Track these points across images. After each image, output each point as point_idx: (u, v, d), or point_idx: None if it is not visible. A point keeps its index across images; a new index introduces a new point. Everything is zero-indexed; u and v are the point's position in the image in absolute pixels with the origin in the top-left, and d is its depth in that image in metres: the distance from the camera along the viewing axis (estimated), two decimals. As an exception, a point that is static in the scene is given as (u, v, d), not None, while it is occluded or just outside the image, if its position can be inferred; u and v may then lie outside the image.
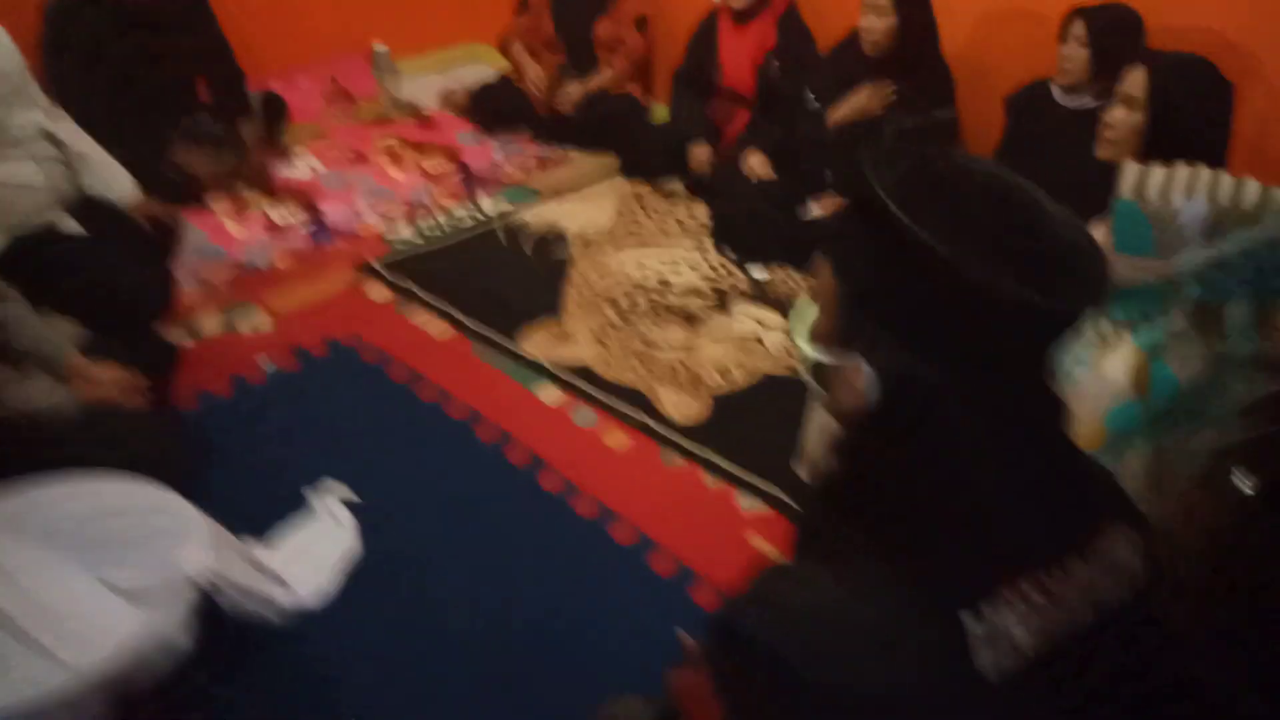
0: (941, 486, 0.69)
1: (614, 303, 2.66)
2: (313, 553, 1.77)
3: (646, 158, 3.39)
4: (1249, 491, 0.81)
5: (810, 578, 0.73)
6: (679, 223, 3.14)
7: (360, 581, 1.74)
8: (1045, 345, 0.70)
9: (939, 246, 0.63)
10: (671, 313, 2.63)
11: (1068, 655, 0.70)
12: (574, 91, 3.53)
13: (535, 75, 3.58)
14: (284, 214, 3.02)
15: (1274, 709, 0.72)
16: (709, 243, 3.01)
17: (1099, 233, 1.40)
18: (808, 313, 0.79)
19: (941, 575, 0.68)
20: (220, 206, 3.03)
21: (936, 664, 0.66)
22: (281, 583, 1.65)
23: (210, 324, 2.47)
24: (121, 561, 1.46)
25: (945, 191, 0.68)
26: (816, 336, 0.77)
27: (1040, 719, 0.70)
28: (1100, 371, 1.40)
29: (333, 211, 3.07)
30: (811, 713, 0.65)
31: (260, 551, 1.71)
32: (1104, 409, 1.39)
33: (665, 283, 2.79)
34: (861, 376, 0.72)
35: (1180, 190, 1.26)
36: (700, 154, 3.21)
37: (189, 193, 2.95)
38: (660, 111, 3.65)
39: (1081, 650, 0.71)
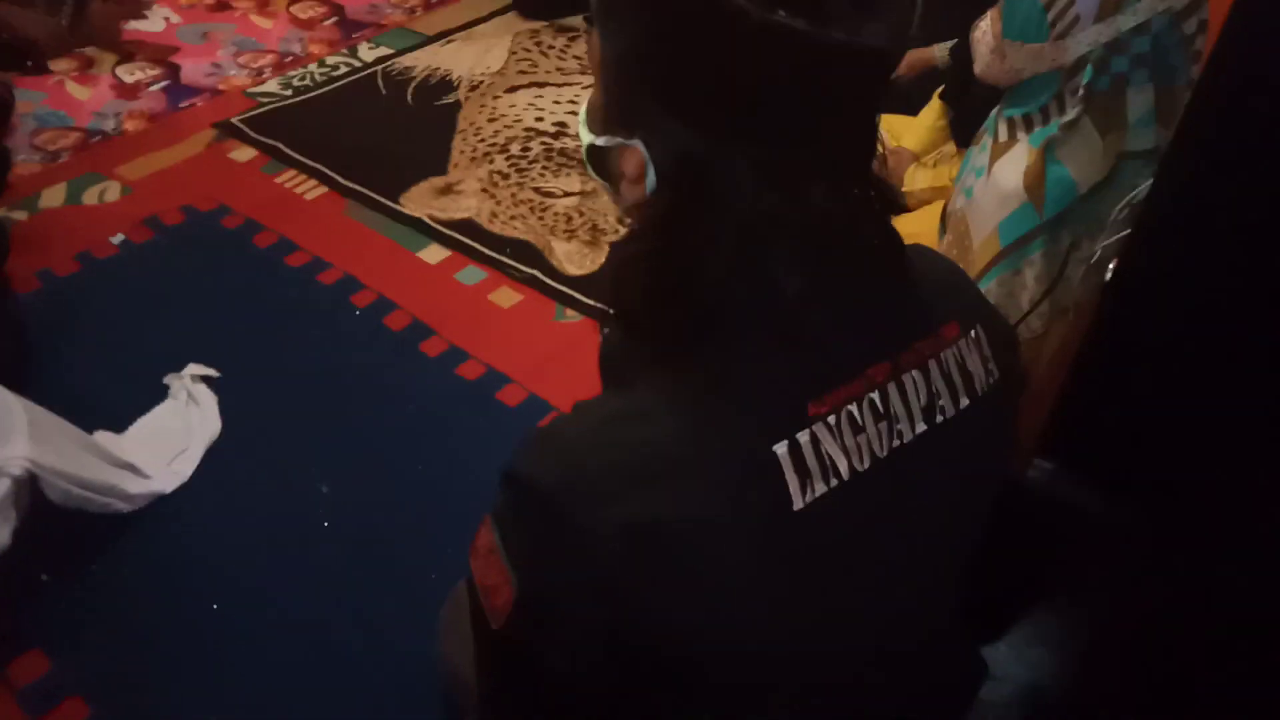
0: (735, 290, 0.56)
1: (505, 150, 2.46)
2: (168, 436, 1.63)
3: (542, -9, 3.10)
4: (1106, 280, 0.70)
5: (597, 406, 0.61)
6: (578, 60, 2.90)
7: (224, 461, 1.61)
8: (849, 108, 0.56)
9: None
10: (568, 158, 2.44)
11: (892, 471, 0.60)
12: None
13: None
14: (135, 73, 2.72)
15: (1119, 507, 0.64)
16: (610, 82, 2.78)
17: (988, 21, 1.24)
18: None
19: (742, 393, 0.57)
20: (62, 68, 2.72)
21: (732, 492, 0.55)
22: (131, 470, 1.52)
23: (52, 197, 2.23)
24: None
25: None
26: (589, 115, 0.63)
27: (857, 544, 0.60)
28: (994, 178, 1.27)
29: (190, 67, 2.77)
30: (584, 556, 0.54)
31: (106, 438, 1.56)
32: (998, 218, 1.27)
33: (562, 125, 2.58)
34: (638, 160, 0.58)
35: (1074, -42, 1.11)
36: (598, -17, 2.93)
37: (19, 56, 2.63)
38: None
39: (907, 464, 0.61)
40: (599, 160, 0.63)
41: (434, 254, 2.11)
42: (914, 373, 0.62)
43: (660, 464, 0.55)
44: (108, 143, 2.45)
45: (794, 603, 0.59)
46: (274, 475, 1.59)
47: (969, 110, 1.75)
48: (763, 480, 0.56)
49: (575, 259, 2.09)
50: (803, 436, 0.57)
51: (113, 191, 2.26)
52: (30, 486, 1.30)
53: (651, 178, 0.58)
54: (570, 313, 1.95)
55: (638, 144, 0.58)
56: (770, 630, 0.58)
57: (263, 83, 2.72)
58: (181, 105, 2.61)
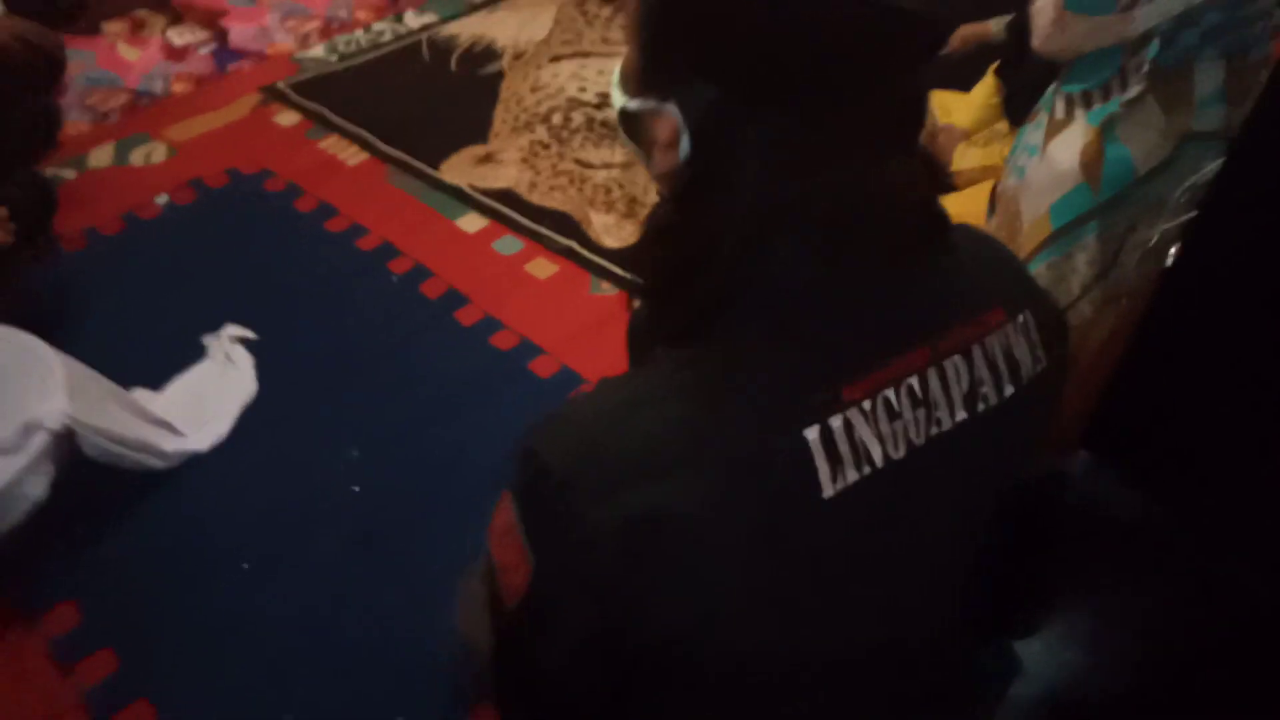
0: (762, 268, 0.54)
1: (546, 120, 2.43)
2: (204, 395, 1.65)
3: (589, -41, 3.05)
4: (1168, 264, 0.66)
5: (616, 388, 0.59)
6: (624, 30, 2.85)
7: (258, 422, 1.63)
8: (892, 78, 0.53)
9: None
10: (610, 130, 2.40)
11: (929, 459, 0.57)
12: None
13: None
14: (184, 35, 2.73)
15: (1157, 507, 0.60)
16: (655, 52, 2.73)
17: (1051, -11, 1.18)
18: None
19: (765, 378, 0.54)
20: (113, 29, 2.74)
21: (747, 482, 0.52)
22: (167, 428, 1.54)
23: (100, 156, 2.26)
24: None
25: None
26: (624, 77, 0.60)
27: (886, 533, 0.57)
28: (1048, 157, 1.22)
29: (238, 30, 2.77)
30: (586, 550, 0.52)
31: (143, 396, 1.59)
32: (1052, 199, 1.22)
33: (605, 97, 2.54)
34: (671, 126, 0.55)
35: (1145, -77, 1.04)
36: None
37: (71, 14, 2.65)
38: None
39: (945, 452, 0.58)
40: (632, 126, 0.61)
41: (472, 223, 2.10)
42: (956, 358, 0.59)
43: (672, 453, 0.53)
44: (156, 104, 2.47)
45: (813, 593, 0.56)
46: (306, 438, 1.60)
47: (1023, 86, 1.69)
48: (788, 468, 0.53)
49: (613, 231, 2.07)
50: (835, 421, 0.54)
51: (159, 153, 2.28)
52: (67, 441, 1.32)
53: (685, 145, 0.55)
54: (606, 285, 1.93)
55: (672, 108, 0.55)
56: (784, 621, 0.56)
57: (309, 48, 2.73)
58: (229, 68, 2.63)
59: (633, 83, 0.59)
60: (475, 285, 1.92)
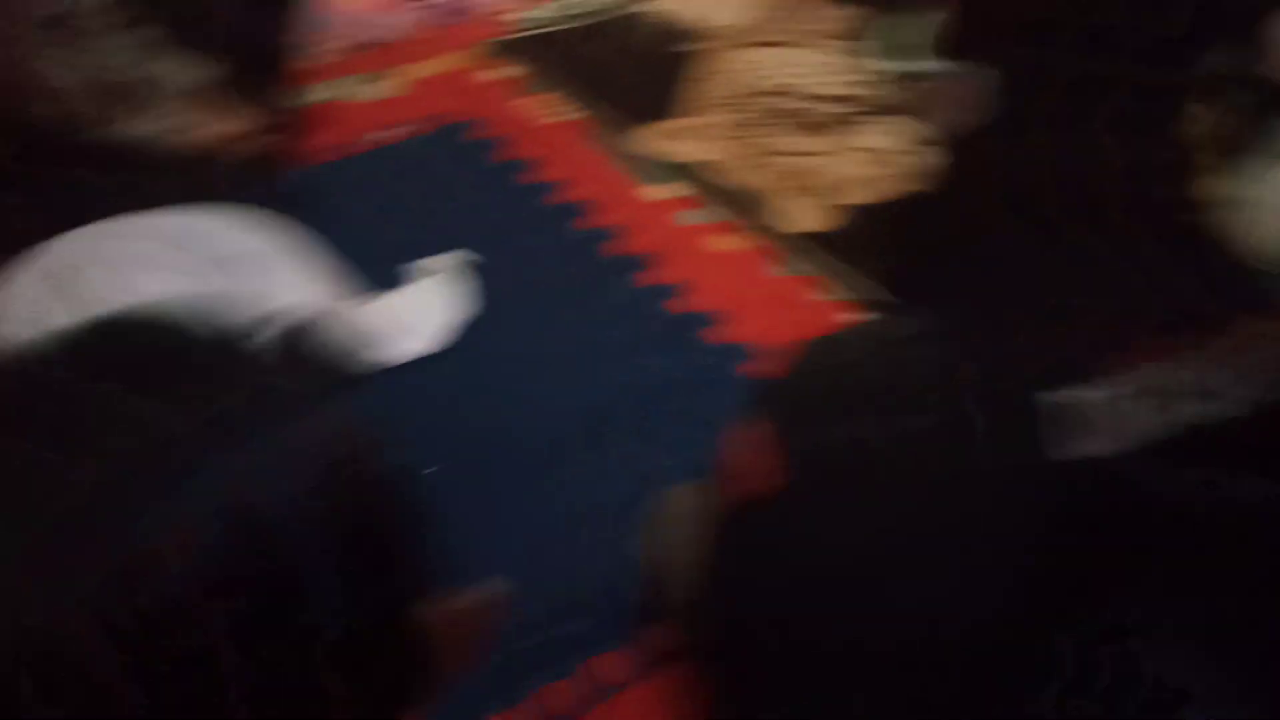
0: (1011, 232, 0.56)
1: (746, 103, 2.48)
2: (407, 311, 1.79)
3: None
4: None
5: (865, 328, 0.63)
6: (834, 22, 2.86)
7: (446, 353, 1.76)
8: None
9: None
10: (810, 118, 2.43)
11: (1182, 449, 0.58)
12: None
13: None
14: (410, -15, 2.92)
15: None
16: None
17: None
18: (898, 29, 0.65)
19: (1014, 330, 0.57)
20: (350, -26, 2.96)
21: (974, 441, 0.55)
22: (386, 333, 1.69)
23: (319, 93, 2.45)
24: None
25: None
26: (934, 40, 0.63)
27: (1125, 521, 0.59)
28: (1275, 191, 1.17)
29: (461, -14, 2.95)
30: (821, 474, 0.56)
31: (362, 304, 1.73)
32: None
33: (809, 85, 2.56)
34: (974, 91, 0.59)
35: None
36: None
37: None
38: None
39: (1205, 432, 0.58)
40: (923, 89, 0.64)
41: (660, 191, 2.18)
42: (1221, 339, 0.59)
43: (890, 390, 0.56)
44: (377, 47, 2.66)
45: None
46: (481, 376, 1.72)
47: (1241, 113, 1.61)
48: (1023, 431, 0.56)
49: (802, 216, 2.10)
50: (1086, 391, 0.56)
51: (377, 91, 2.47)
52: (299, 333, 1.46)
53: (983, 110, 0.58)
54: (787, 267, 1.97)
55: (979, 73, 0.58)
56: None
57: (532, 8, 2.87)
58: (449, 20, 2.79)
59: (939, 47, 0.63)
60: (655, 251, 1.99)
